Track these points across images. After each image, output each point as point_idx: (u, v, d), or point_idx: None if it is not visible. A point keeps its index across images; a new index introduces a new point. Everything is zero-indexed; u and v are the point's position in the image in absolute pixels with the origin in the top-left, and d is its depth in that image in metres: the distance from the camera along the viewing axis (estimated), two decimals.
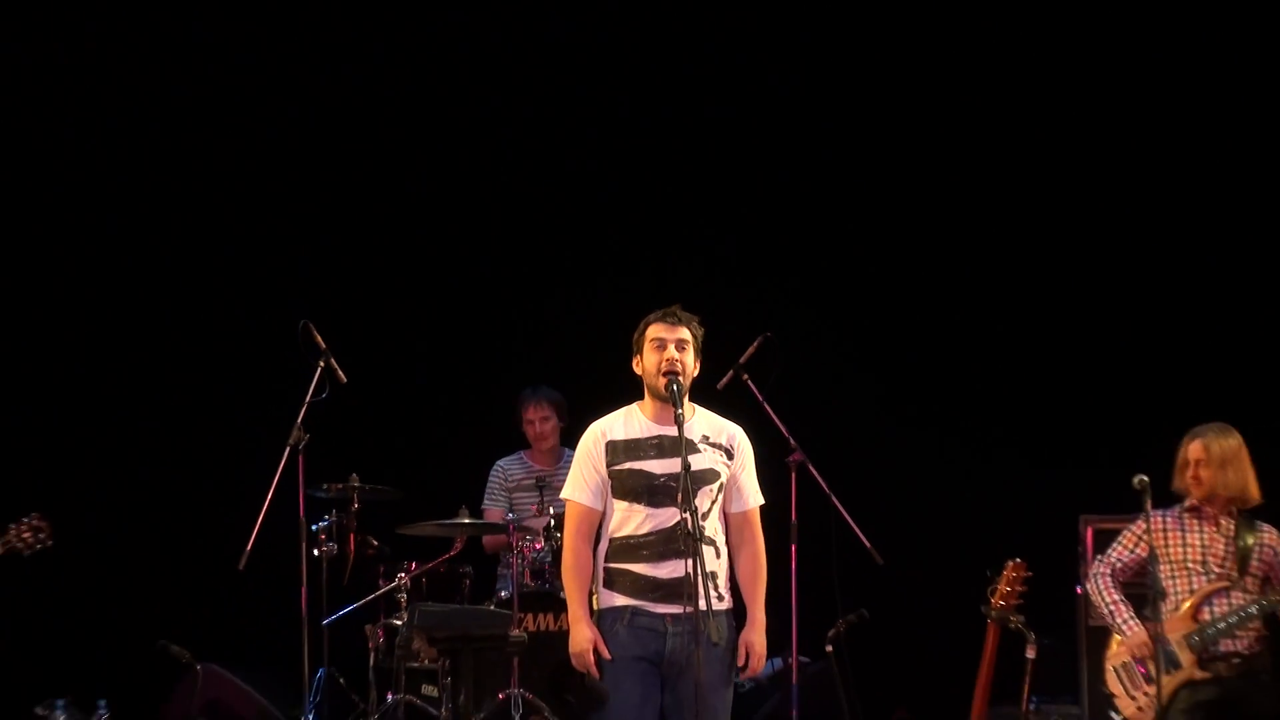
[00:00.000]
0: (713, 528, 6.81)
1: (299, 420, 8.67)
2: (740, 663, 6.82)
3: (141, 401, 10.51)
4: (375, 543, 9.29)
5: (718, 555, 6.82)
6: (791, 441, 8.62)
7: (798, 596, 8.52)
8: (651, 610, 6.76)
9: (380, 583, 9.23)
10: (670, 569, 6.73)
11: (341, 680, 9.20)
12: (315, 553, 8.88)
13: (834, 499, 8.63)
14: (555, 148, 10.86)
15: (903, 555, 8.81)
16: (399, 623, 8.89)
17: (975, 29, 10.58)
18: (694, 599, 6.57)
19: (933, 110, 10.71)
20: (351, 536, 9.15)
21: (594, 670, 6.74)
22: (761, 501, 7.01)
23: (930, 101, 10.71)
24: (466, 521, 9.16)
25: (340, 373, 8.80)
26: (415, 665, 8.93)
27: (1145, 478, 7.23)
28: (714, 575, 6.72)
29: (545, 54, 10.86)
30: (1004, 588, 7.61)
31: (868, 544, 8.58)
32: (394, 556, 9.32)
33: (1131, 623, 7.58)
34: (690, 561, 6.60)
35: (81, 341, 10.53)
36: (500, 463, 9.87)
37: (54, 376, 10.43)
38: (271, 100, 10.81)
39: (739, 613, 6.88)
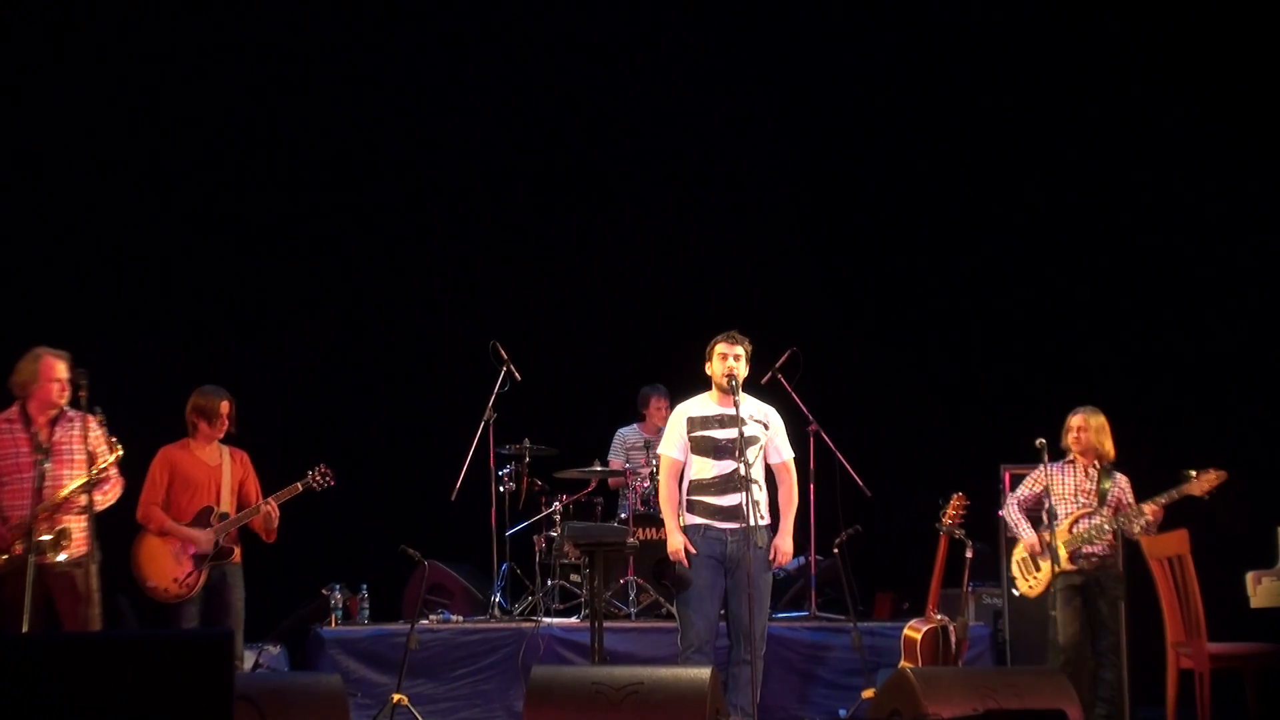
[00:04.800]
0: (757, 473, 6.99)
1: (490, 404, 8.98)
2: (771, 557, 7.02)
3: (396, 394, 10.45)
4: (539, 482, 9.35)
5: (760, 490, 6.99)
6: (810, 417, 8.71)
7: (814, 517, 8.70)
8: (718, 526, 6.97)
9: (542, 508, 9.26)
10: (729, 500, 6.94)
11: (518, 571, 9.29)
12: (500, 489, 9.12)
13: (838, 454, 8.70)
14: (652, 216, 10.39)
15: (884, 490, 8.78)
16: (555, 534, 9.03)
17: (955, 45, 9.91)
18: (745, 519, 6.82)
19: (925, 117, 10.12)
20: (524, 478, 9.23)
21: (685, 562, 6.94)
22: (792, 455, 7.24)
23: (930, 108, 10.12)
24: (598, 469, 9.33)
25: (517, 374, 9.08)
26: (566, 561, 8.99)
27: (1044, 440, 7.47)
28: (757, 504, 6.92)
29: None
30: (951, 511, 7.69)
31: (860, 482, 8.66)
32: (551, 491, 9.34)
33: (1029, 532, 7.70)
34: (743, 494, 6.85)
35: (362, 356, 10.37)
36: (621, 430, 9.80)
37: (348, 381, 10.26)
38: (468, 154, 10.36)
39: (775, 528, 7.05)
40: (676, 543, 6.97)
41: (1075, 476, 7.75)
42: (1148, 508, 7.51)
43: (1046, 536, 7.59)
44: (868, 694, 7.70)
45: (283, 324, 10.22)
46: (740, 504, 6.85)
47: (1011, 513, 7.84)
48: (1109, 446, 7.72)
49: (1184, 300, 9.56)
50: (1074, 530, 7.64)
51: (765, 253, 10.57)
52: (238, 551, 7.58)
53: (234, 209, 10.00)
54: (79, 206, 9.57)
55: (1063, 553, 7.56)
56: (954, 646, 7.59)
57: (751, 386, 7.33)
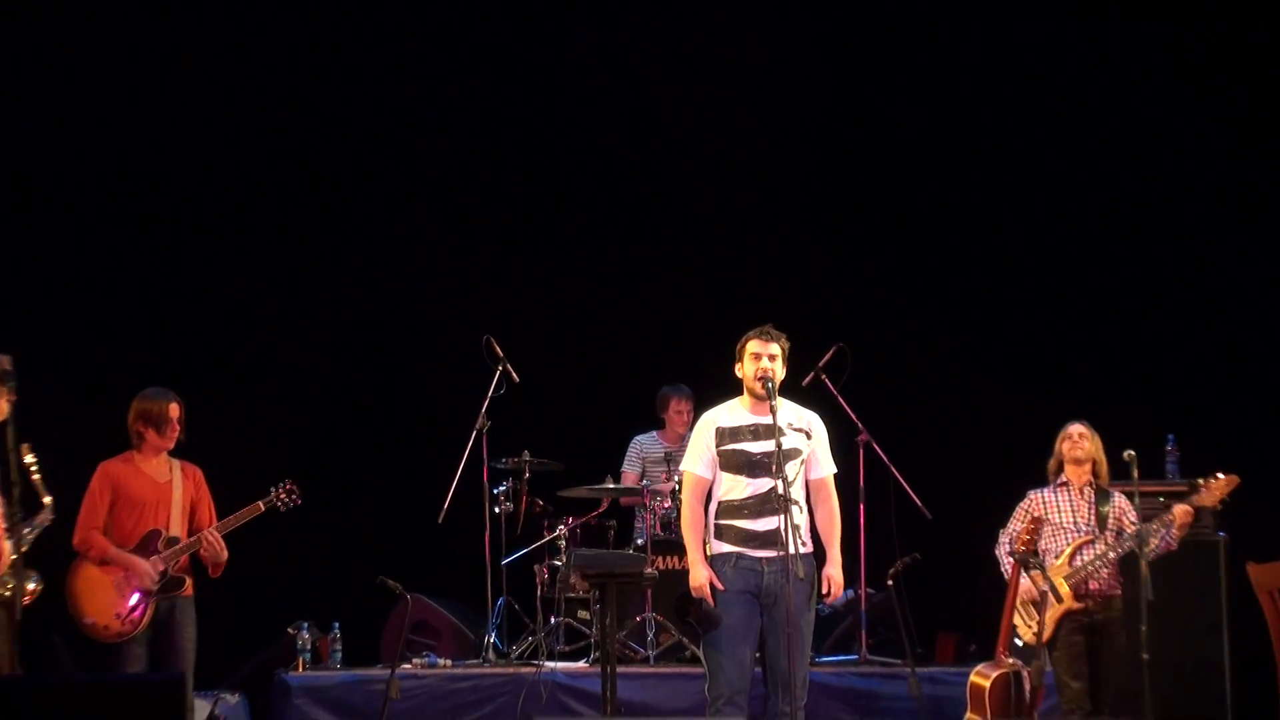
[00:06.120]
0: (797, 492, 6.90)
1: (483, 410, 9.05)
2: (824, 591, 6.93)
3: (372, 400, 10.52)
4: (541, 502, 9.40)
5: (800, 512, 6.90)
6: (860, 425, 8.77)
7: (865, 543, 8.75)
8: (751, 555, 6.88)
9: (545, 533, 9.30)
10: (765, 524, 6.86)
11: (516, 607, 9.29)
12: (495, 510, 9.14)
13: (893, 469, 8.75)
14: (677, 201, 10.67)
15: (947, 511, 8.91)
16: (559, 563, 9.05)
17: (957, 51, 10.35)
18: (785, 545, 6.72)
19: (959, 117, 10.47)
20: (524, 497, 9.27)
21: (710, 599, 6.84)
22: (834, 470, 7.11)
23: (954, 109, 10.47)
24: (611, 487, 9.39)
25: (514, 375, 9.14)
26: (572, 595, 9.01)
27: (1132, 453, 7.53)
28: (798, 528, 6.80)
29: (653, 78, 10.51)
30: (1026, 535, 7.59)
31: (919, 503, 8.73)
32: (555, 513, 9.40)
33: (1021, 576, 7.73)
34: (781, 517, 6.75)
35: (338, 360, 10.49)
36: (638, 438, 9.82)
37: (315, 385, 10.39)
38: (464, 149, 10.64)
39: (818, 556, 6.98)
40: (702, 575, 6.88)
41: (1071, 499, 7.84)
42: (1181, 508, 7.58)
43: (1041, 579, 7.59)
44: None
45: (238, 317, 10.33)
46: (778, 528, 6.77)
47: (1001, 555, 7.88)
48: (1104, 464, 7.86)
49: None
50: (1075, 562, 7.72)
51: (804, 233, 10.62)
52: (189, 583, 7.51)
53: (171, 200, 10.25)
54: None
55: (1064, 589, 7.63)
56: (1028, 696, 7.48)
57: (790, 390, 7.28)
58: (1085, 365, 10.20)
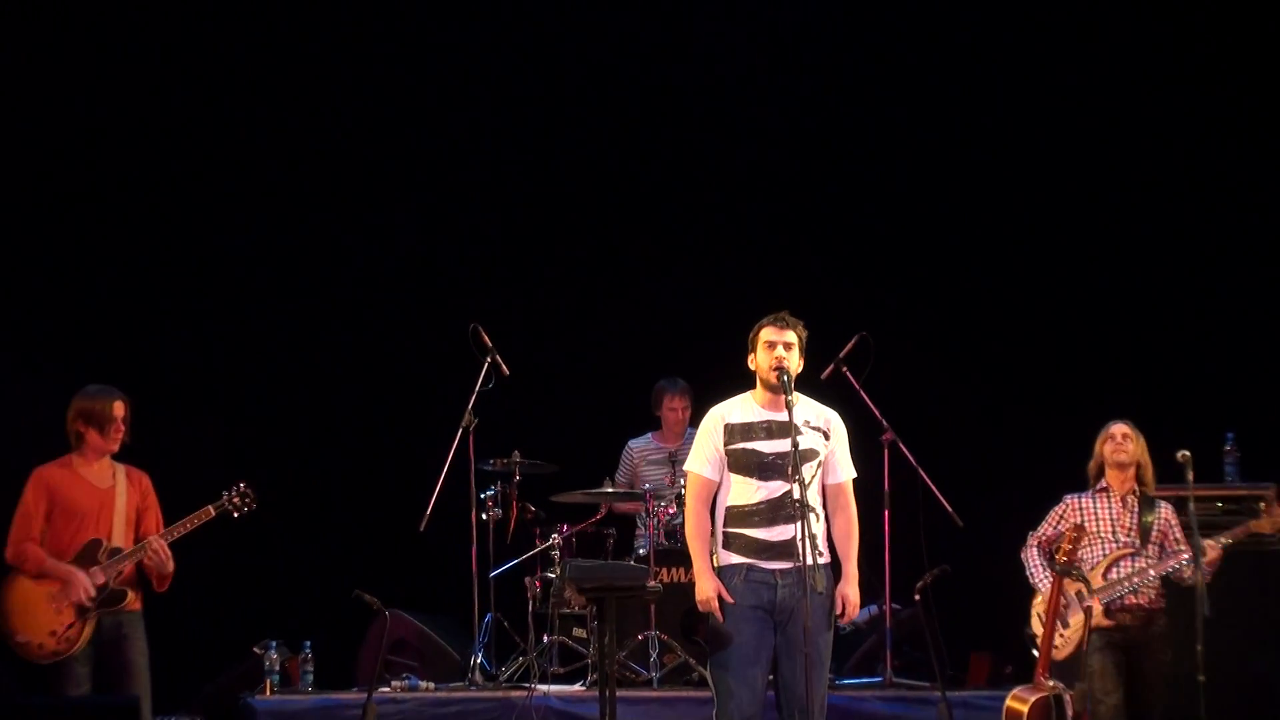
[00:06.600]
0: (814, 497, 6.83)
1: (469, 407, 8.97)
2: (838, 611, 6.86)
3: (345, 394, 10.52)
4: (533, 509, 9.33)
5: (817, 519, 6.82)
6: (884, 423, 8.71)
7: (890, 554, 8.69)
8: (763, 567, 6.79)
9: (537, 542, 9.27)
10: (779, 532, 6.78)
11: (505, 624, 9.24)
12: (483, 517, 9.10)
13: (921, 472, 8.67)
14: (682, 177, 10.75)
15: (979, 519, 8.80)
16: (553, 575, 9.02)
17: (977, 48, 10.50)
18: (801, 556, 6.64)
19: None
20: (514, 503, 9.21)
21: (719, 614, 6.77)
22: (854, 475, 7.04)
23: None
24: (610, 491, 9.33)
25: (504, 367, 9.07)
26: (567, 611, 8.99)
27: (1188, 453, 7.51)
28: (815, 537, 6.72)
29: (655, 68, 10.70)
30: (1067, 546, 7.60)
31: (949, 509, 8.63)
32: (549, 520, 9.36)
33: (1046, 581, 7.76)
34: (799, 525, 6.66)
35: (309, 353, 10.52)
36: (631, 443, 9.86)
37: (276, 376, 10.44)
38: (444, 128, 10.75)
39: (835, 568, 6.91)
40: (709, 588, 6.80)
41: (1111, 507, 7.84)
42: (1209, 545, 7.56)
43: (1074, 588, 7.68)
44: None
45: (189, 307, 10.35)
46: (793, 538, 6.69)
47: (1031, 556, 7.90)
48: (1150, 468, 7.87)
49: None
50: (1110, 575, 7.73)
51: (824, 211, 10.64)
52: (134, 597, 7.49)
53: (120, 186, 10.31)
54: None
55: (1096, 607, 7.64)
56: None
57: (807, 384, 7.16)
58: (1134, 357, 10.21)
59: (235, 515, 7.63)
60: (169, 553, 7.44)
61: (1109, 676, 7.63)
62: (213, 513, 7.56)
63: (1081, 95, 10.42)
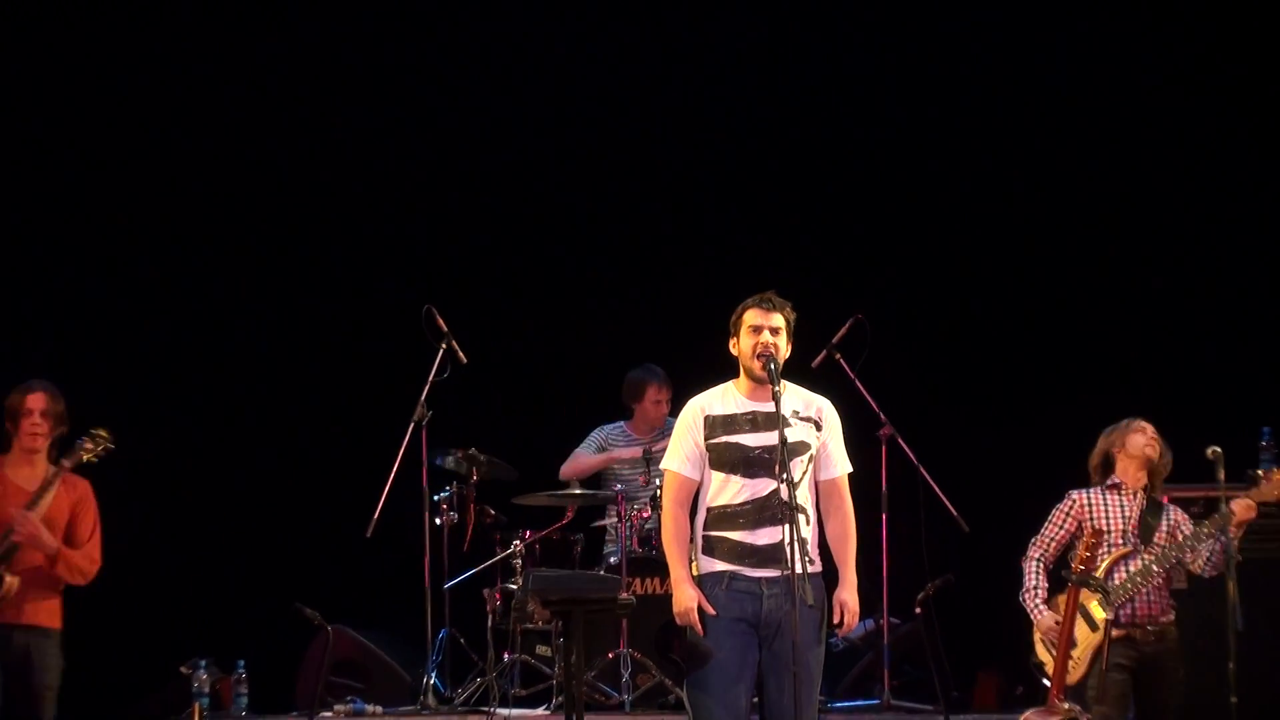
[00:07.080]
0: (804, 496, 6.74)
1: (422, 398, 8.95)
2: (836, 620, 6.77)
3: (277, 382, 10.53)
4: (493, 512, 9.30)
5: (808, 522, 6.75)
6: (882, 416, 8.72)
7: (888, 562, 8.71)
8: (748, 574, 6.70)
9: (497, 549, 9.21)
10: (765, 536, 6.69)
11: (462, 640, 9.22)
12: (437, 521, 9.06)
13: (922, 470, 8.69)
14: (657, 143, 10.75)
15: (986, 523, 8.80)
16: (515, 587, 8.88)
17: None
18: (789, 563, 6.54)
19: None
20: (471, 506, 9.17)
21: (699, 627, 6.69)
22: (849, 469, 6.96)
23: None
24: (577, 492, 9.24)
25: (461, 354, 9.03)
26: (530, 626, 8.92)
27: (1219, 449, 7.50)
28: (805, 541, 6.66)
29: (633, 53, 10.78)
30: (1083, 553, 7.52)
31: (954, 512, 8.65)
32: (510, 525, 9.30)
33: (1040, 609, 7.73)
34: (786, 528, 6.58)
35: (229, 333, 10.60)
36: (603, 427, 9.78)
37: (197, 368, 10.48)
38: (398, 105, 10.85)
39: (828, 576, 6.80)
40: (688, 598, 6.68)
41: (1122, 504, 7.81)
42: (1237, 505, 7.53)
43: (1102, 606, 7.62)
44: None
45: (110, 299, 10.39)
46: (781, 542, 6.57)
47: (1027, 571, 7.86)
48: (1162, 472, 7.88)
49: None
50: (1110, 580, 7.69)
51: (814, 186, 10.61)
52: (38, 608, 7.45)
53: (62, 178, 10.46)
54: None
55: (1099, 613, 7.62)
56: None
57: (797, 371, 7.13)
58: (1154, 351, 10.20)
59: (93, 460, 7.56)
60: (38, 525, 7.39)
61: (1119, 700, 7.63)
62: (68, 465, 7.50)
63: (1110, 67, 10.45)
